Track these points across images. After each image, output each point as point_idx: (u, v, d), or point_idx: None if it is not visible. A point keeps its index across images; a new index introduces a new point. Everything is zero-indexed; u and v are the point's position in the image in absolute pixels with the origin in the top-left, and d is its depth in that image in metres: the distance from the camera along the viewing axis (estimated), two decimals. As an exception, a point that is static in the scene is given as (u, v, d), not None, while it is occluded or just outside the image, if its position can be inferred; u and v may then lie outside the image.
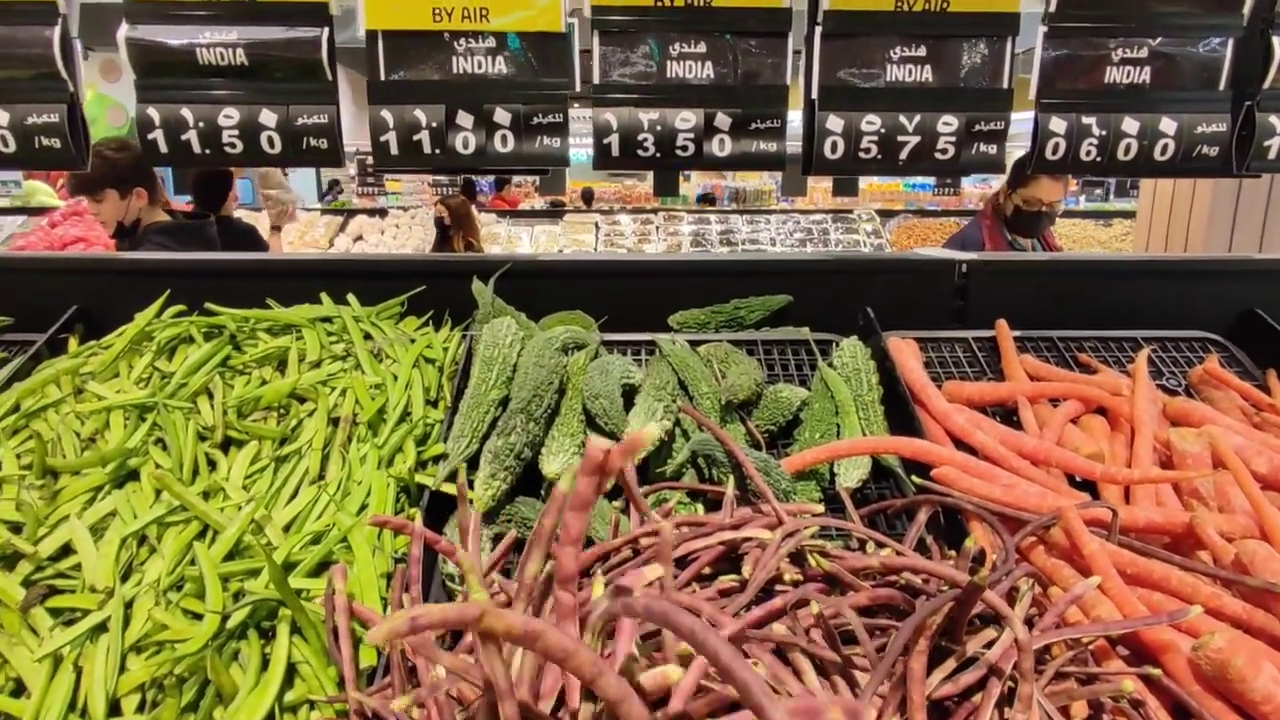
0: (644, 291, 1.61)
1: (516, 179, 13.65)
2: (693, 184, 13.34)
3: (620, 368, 1.21)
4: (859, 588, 0.79)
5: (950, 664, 0.73)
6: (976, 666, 0.75)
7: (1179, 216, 4.54)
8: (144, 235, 2.73)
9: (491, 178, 13.52)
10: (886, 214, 9.54)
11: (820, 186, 10.65)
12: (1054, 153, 1.52)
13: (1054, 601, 0.85)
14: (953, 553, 0.99)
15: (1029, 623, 0.84)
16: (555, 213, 9.67)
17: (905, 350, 1.33)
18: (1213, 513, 0.97)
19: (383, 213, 8.80)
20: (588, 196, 11.02)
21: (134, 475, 1.07)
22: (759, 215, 9.45)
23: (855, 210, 9.85)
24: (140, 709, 0.82)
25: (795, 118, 1.58)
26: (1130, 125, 1.50)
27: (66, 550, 0.98)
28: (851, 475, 1.12)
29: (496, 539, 1.04)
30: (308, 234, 7.75)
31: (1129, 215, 8.00)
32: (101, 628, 0.87)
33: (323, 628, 0.86)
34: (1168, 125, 1.51)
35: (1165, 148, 1.51)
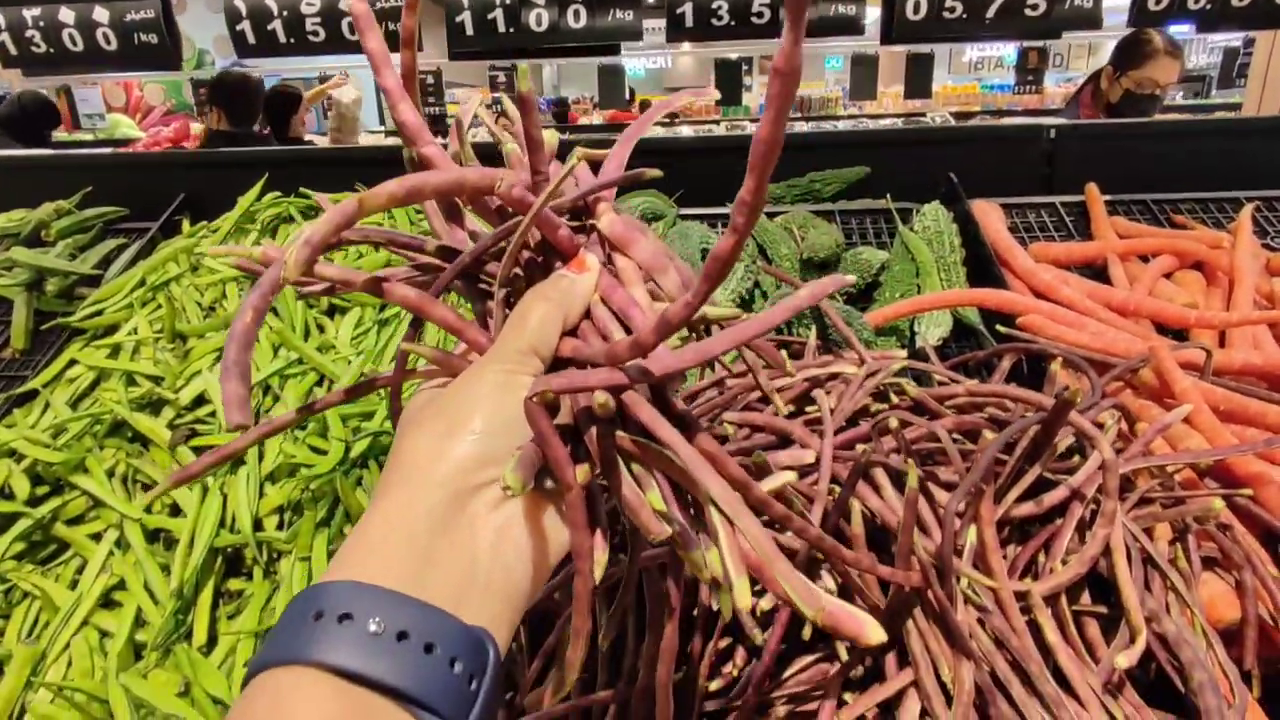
0: (717, 169, 1.59)
1: (574, 96, 13.48)
2: (754, 94, 12.91)
3: (699, 233, 1.23)
4: (944, 414, 0.81)
5: (1028, 480, 0.75)
6: (1060, 488, 0.77)
7: None
8: None
9: (548, 98, 13.40)
10: (962, 116, 9.03)
11: (891, 91, 10.14)
12: (1157, 3, 1.42)
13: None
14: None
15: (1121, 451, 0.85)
16: (614, 127, 9.56)
17: (990, 213, 1.30)
18: (1314, 354, 0.95)
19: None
20: (645, 109, 10.78)
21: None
22: (825, 122, 9.08)
23: (928, 114, 9.37)
24: (279, 528, 0.92)
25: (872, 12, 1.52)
26: (1248, -33, 1.39)
27: (200, 401, 1.08)
28: (933, 333, 1.13)
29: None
30: (374, 155, 7.87)
31: (1234, 108, 7.37)
32: (239, 461, 0.97)
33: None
34: (1291, -35, 1.39)
35: (1286, -9, 1.40)
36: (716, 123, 9.10)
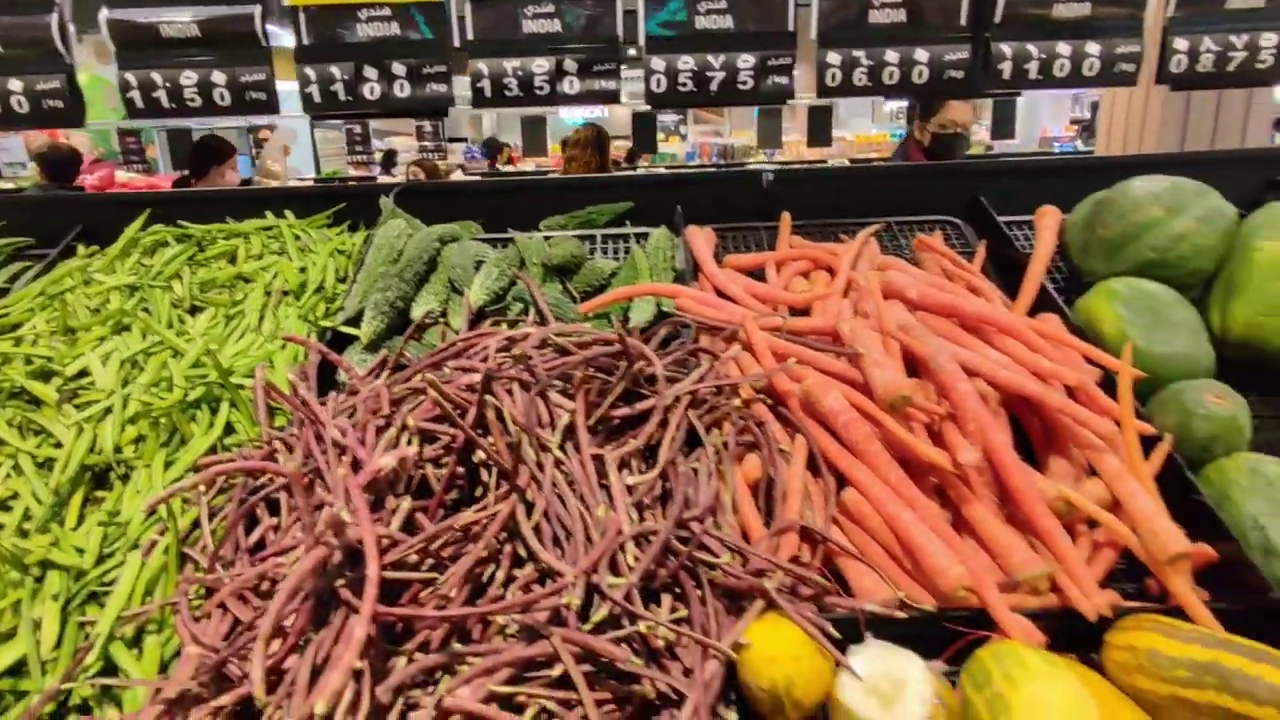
0: (523, 204, 2.04)
1: (509, 141, 14.10)
2: (689, 143, 13.82)
3: (477, 248, 1.65)
4: (574, 351, 1.23)
5: (617, 390, 1.18)
6: (650, 400, 1.20)
7: (1134, 126, 5.20)
8: None
9: (479, 147, 13.98)
10: (856, 163, 9.91)
11: (793, 140, 11.06)
12: (833, 80, 1.93)
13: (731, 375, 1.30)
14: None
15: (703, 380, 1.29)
16: (540, 174, 10.22)
17: (699, 236, 1.76)
18: (859, 319, 1.41)
19: (373, 179, 9.27)
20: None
21: (128, 329, 1.54)
22: (737, 167, 9.84)
23: (829, 161, 10.34)
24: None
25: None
26: (891, 55, 1.91)
27: (83, 374, 1.44)
28: (640, 317, 1.57)
29: (383, 364, 1.50)
30: (300, 202, 8.17)
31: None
32: (108, 411, 1.34)
33: (250, 406, 1.33)
34: (921, 54, 1.91)
35: (921, 73, 1.92)
36: (635, 167, 9.82)
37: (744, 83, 1.92)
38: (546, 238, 1.80)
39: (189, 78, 1.89)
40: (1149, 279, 1.43)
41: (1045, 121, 13.92)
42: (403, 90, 1.92)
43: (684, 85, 1.92)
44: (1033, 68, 1.91)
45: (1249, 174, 1.92)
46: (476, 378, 1.20)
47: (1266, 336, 1.36)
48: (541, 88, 1.92)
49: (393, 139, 13.12)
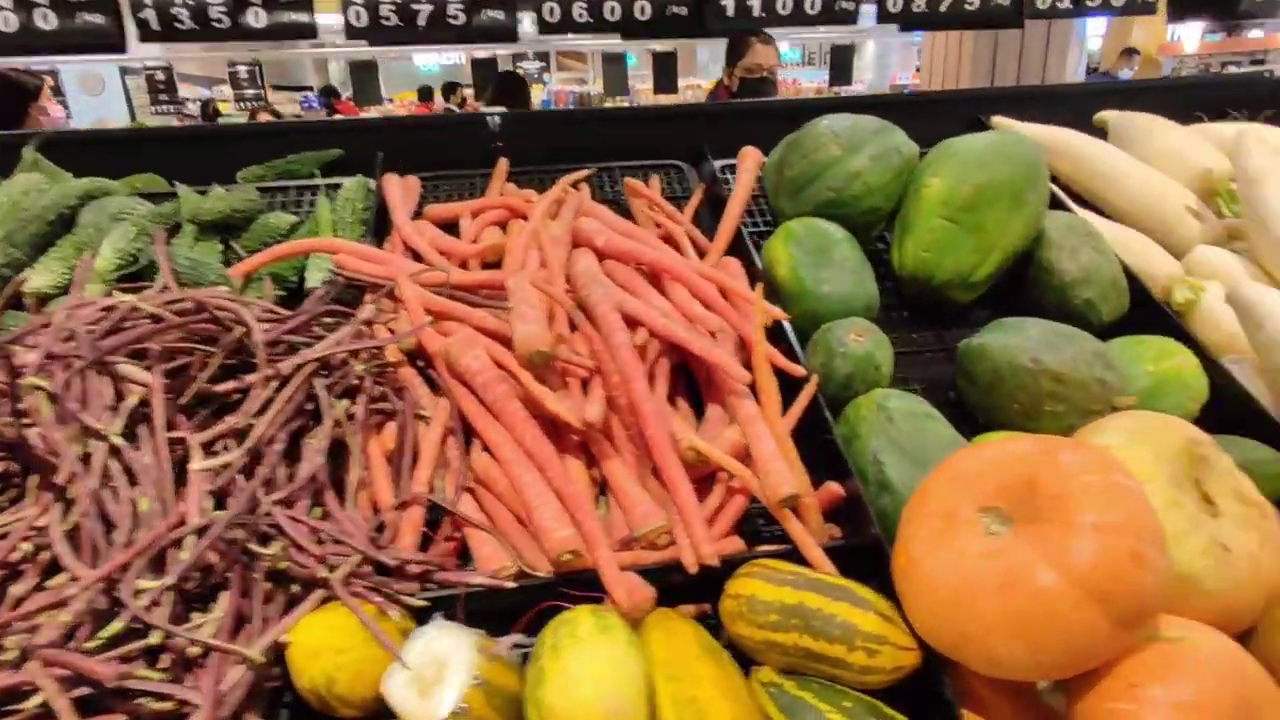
0: (219, 154, 1.82)
1: (345, 94, 13.21)
2: (546, 90, 13.44)
3: (121, 204, 1.44)
4: (170, 319, 1.08)
5: (216, 362, 1.05)
6: (256, 374, 1.07)
7: (951, 64, 5.65)
8: None
9: (316, 95, 13.05)
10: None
11: (643, 88, 10.96)
12: (552, 15, 1.81)
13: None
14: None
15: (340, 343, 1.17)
16: (377, 120, 9.68)
17: (394, 185, 1.61)
18: (532, 270, 1.33)
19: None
20: (425, 93, 11.32)
21: None
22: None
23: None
24: None
25: None
26: (610, -9, 1.82)
27: None
28: (316, 278, 1.42)
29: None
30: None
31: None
32: None
33: None
34: (639, -10, 1.83)
35: (643, 9, 1.83)
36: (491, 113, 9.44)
37: (454, 17, 1.77)
38: (229, 190, 1.60)
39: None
40: (830, 219, 1.42)
41: (894, 68, 14.54)
42: (48, 21, 1.65)
43: (387, 19, 1.75)
44: (755, 5, 1.87)
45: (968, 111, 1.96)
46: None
47: (931, 271, 1.38)
48: (219, 20, 1.70)
49: (223, 87, 11.95)
